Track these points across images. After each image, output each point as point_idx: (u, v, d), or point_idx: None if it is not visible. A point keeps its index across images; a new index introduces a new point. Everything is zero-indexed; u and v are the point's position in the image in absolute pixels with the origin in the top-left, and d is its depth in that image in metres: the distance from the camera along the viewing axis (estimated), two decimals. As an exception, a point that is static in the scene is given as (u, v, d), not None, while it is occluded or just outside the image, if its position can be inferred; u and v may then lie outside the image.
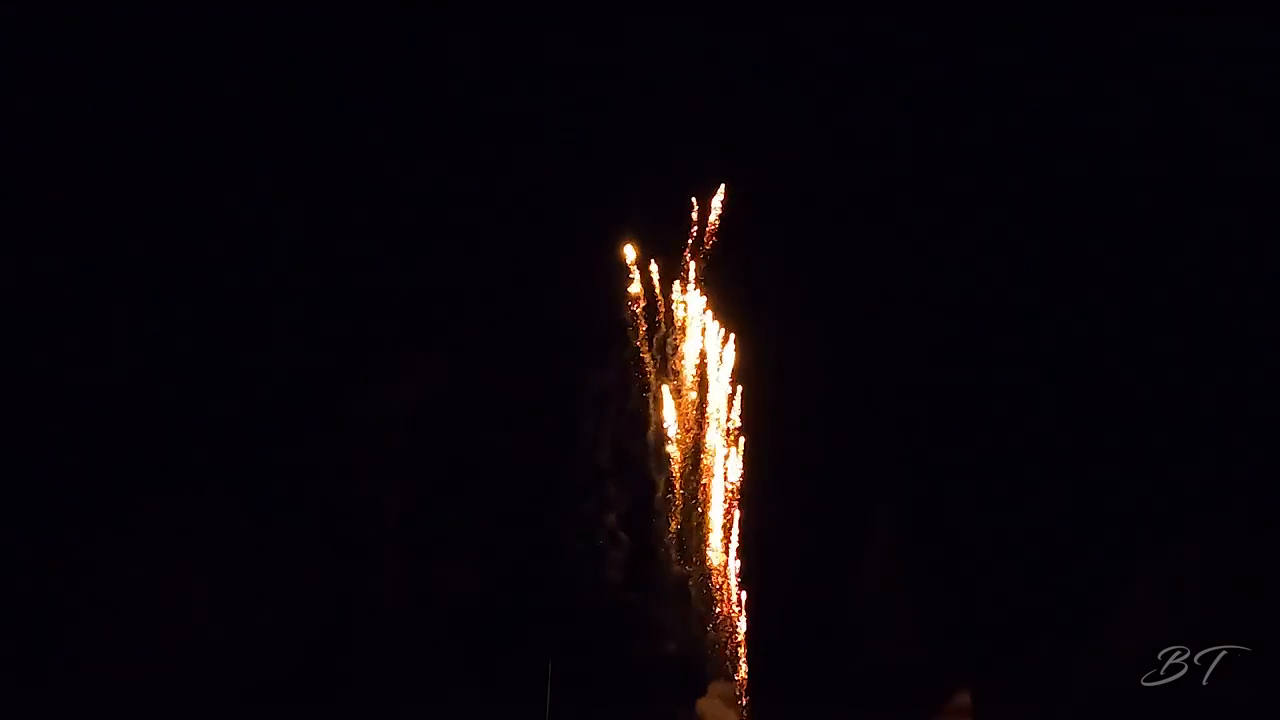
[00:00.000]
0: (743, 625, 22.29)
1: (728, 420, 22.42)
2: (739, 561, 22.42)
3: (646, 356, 22.16)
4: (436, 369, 23.69)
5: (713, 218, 22.47)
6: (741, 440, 22.59)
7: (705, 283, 22.45)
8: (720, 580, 22.59)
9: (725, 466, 22.44)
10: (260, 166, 23.02)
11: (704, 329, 22.38)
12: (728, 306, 22.15)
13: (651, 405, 22.02)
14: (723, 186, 22.50)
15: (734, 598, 22.55)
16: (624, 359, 22.10)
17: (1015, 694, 22.19)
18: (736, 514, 22.46)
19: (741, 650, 22.47)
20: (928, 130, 23.41)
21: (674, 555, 22.31)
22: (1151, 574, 21.90)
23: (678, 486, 22.34)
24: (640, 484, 22.39)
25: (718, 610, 22.45)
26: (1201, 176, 22.18)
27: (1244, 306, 22.14)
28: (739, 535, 22.54)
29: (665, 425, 21.81)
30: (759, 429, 22.09)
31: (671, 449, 22.14)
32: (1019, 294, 23.28)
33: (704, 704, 22.34)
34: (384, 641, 22.97)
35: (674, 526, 22.16)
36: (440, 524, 23.59)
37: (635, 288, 21.94)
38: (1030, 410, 23.50)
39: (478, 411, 23.81)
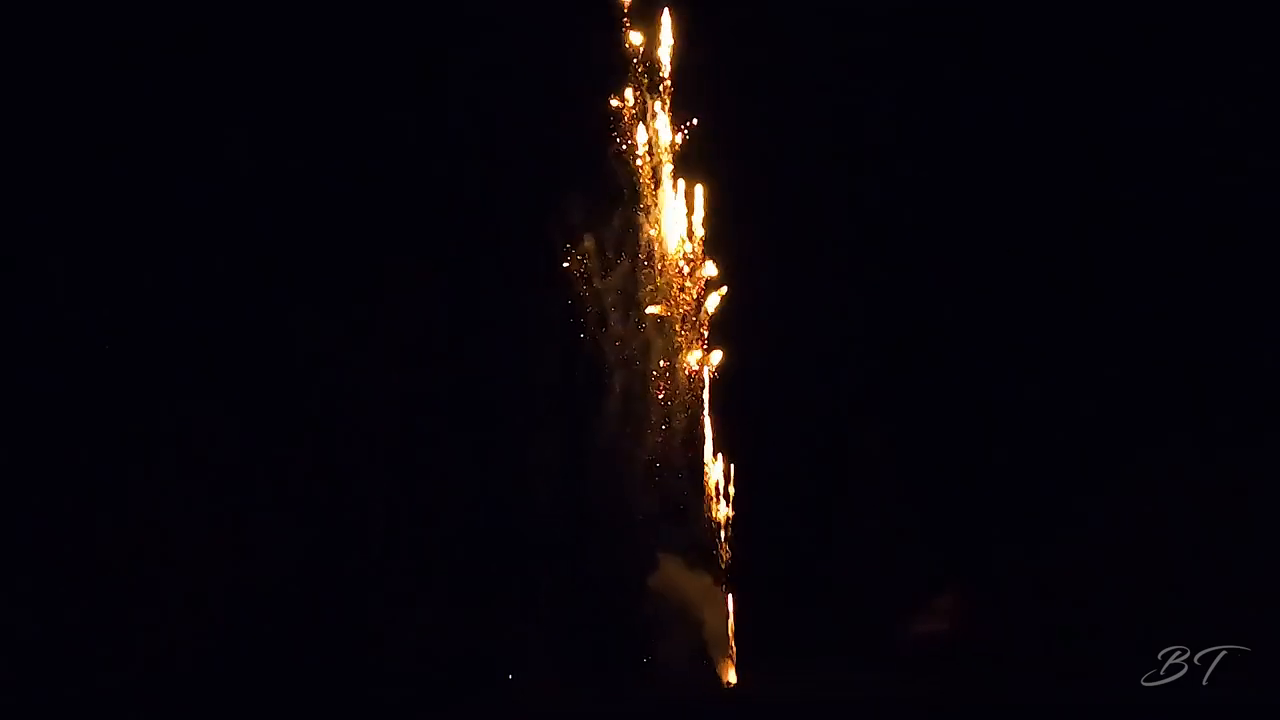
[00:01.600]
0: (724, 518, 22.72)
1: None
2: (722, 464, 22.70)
3: None
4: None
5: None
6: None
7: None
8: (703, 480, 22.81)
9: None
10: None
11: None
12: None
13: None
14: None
15: (717, 492, 22.82)
16: None
17: (999, 596, 22.70)
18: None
19: (723, 544, 22.70)
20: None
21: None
22: (1128, 481, 22.10)
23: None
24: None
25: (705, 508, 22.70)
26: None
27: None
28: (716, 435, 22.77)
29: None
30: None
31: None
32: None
33: (654, 578, 22.55)
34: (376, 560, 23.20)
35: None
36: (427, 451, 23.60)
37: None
38: (1016, 309, 23.45)
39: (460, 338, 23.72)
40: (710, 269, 23.28)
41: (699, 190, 23.26)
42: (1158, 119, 22.64)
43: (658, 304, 23.12)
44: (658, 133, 22.98)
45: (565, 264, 23.18)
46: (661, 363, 23.08)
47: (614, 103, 22.92)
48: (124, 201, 22.63)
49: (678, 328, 23.14)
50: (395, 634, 22.90)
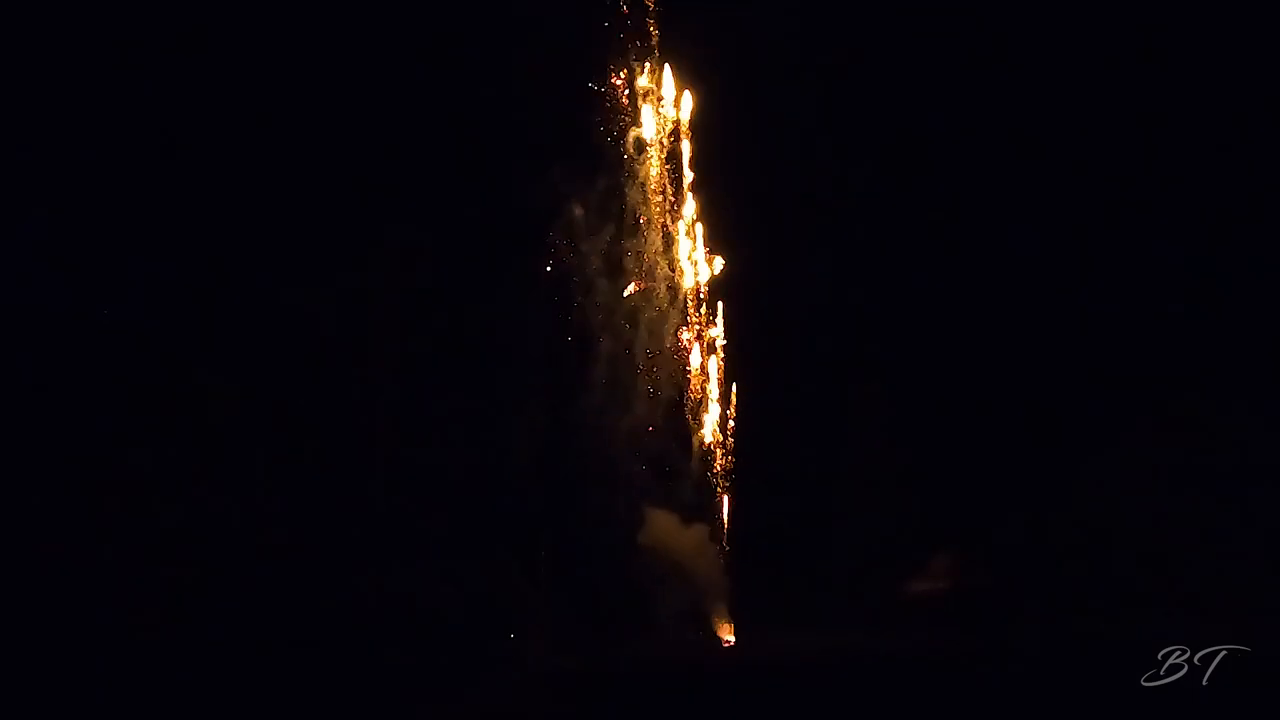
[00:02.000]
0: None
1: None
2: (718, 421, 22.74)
3: None
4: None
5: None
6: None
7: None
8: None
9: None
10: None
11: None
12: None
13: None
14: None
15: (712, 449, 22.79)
16: None
17: (993, 558, 22.76)
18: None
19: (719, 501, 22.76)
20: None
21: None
22: (1124, 439, 22.05)
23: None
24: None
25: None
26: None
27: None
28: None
29: None
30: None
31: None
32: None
33: (647, 536, 22.76)
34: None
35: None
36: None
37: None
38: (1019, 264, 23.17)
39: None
40: (701, 247, 22.86)
41: (685, 157, 22.68)
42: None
43: (642, 277, 22.76)
44: (644, 104, 22.31)
45: (551, 234, 22.74)
46: (649, 350, 22.80)
47: (600, 79, 22.18)
48: (125, 191, 21.99)
49: (664, 301, 22.83)
50: (389, 598, 22.94)
